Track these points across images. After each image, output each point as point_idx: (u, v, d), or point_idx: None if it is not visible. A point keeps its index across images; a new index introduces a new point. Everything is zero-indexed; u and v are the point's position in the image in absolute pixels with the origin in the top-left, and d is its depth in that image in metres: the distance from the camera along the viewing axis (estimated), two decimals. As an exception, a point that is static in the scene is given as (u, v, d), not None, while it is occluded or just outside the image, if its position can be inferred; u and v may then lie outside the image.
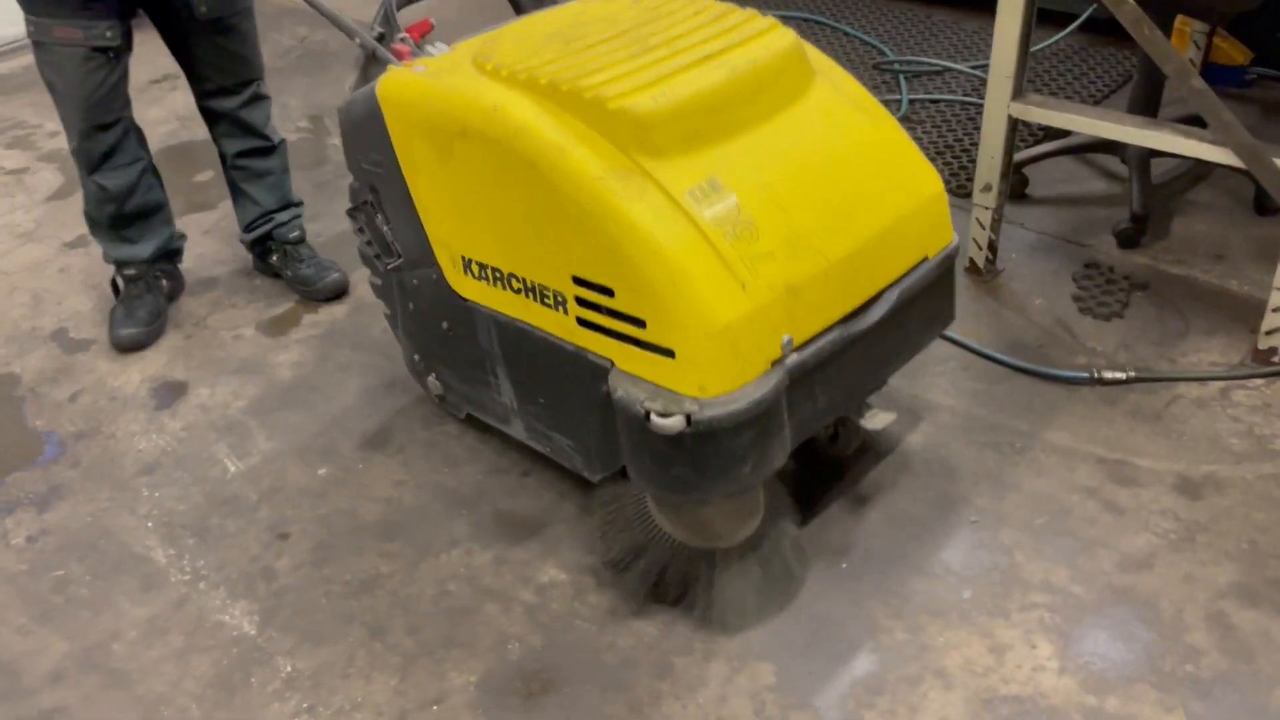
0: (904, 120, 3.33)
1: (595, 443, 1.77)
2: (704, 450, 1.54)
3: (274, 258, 2.78)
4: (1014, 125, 2.40)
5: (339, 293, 2.75)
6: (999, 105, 2.38)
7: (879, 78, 3.55)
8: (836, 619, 1.82)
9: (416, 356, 2.19)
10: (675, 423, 1.50)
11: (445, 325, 1.99)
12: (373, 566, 2.00)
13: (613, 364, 1.62)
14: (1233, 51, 3.32)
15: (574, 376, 1.71)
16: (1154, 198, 2.67)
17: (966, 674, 1.72)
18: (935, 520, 1.99)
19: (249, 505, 2.16)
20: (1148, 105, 2.80)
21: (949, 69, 3.57)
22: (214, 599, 1.96)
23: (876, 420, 1.89)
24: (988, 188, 2.49)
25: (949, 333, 2.39)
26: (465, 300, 1.88)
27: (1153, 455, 2.08)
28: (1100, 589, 1.84)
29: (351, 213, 2.05)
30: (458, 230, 1.82)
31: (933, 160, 3.04)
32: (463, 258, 1.83)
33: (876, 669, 1.74)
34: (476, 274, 1.81)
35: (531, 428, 1.95)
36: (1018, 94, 2.36)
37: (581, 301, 1.62)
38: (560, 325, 1.69)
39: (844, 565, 1.92)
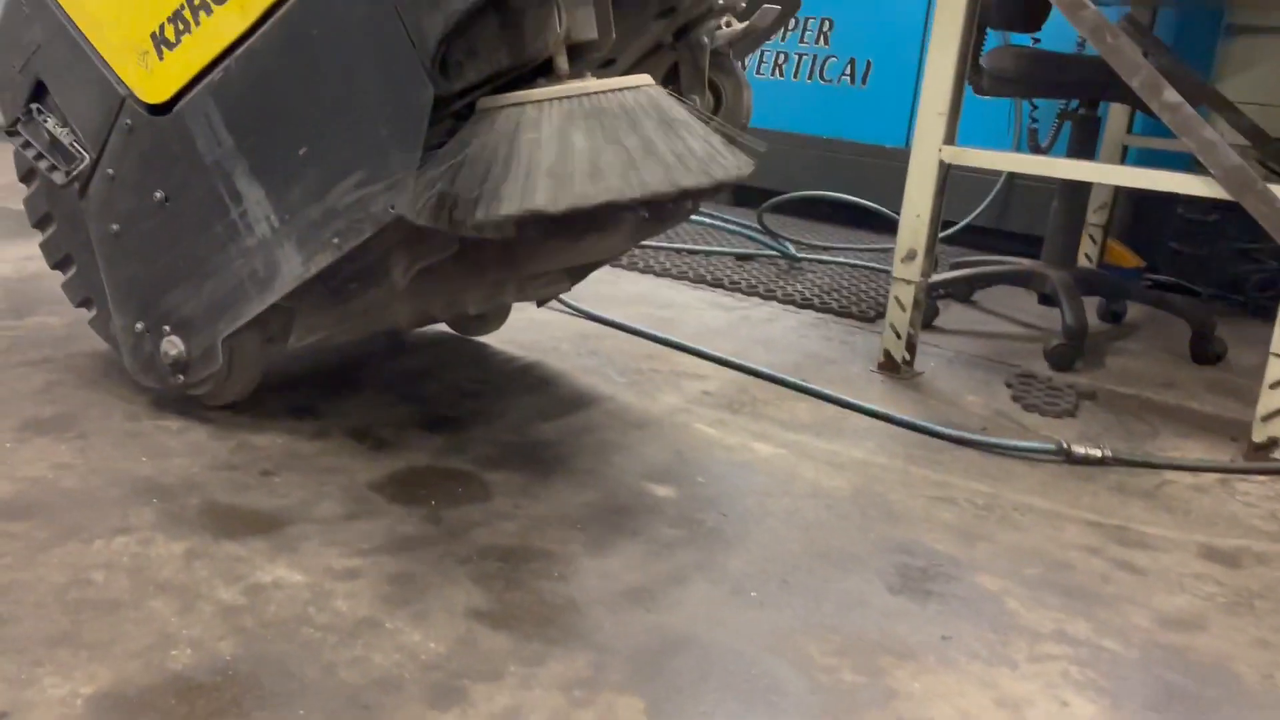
0: (792, 269, 2.96)
1: (384, 110, 1.22)
2: None
3: None
4: (945, 176, 2.03)
5: None
6: (929, 150, 2.01)
7: (759, 239, 3.23)
8: (744, 651, 1.10)
9: (139, 323, 1.52)
10: None
11: (160, 195, 1.44)
12: (-31, 544, 1.18)
13: None
14: (1126, 255, 3.16)
15: (325, 30, 1.24)
16: (1086, 319, 2.30)
17: (968, 730, 1.01)
18: (878, 558, 1.33)
19: None
20: (1066, 248, 2.52)
21: (832, 246, 3.29)
22: None
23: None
24: (911, 255, 2.06)
25: (867, 404, 1.86)
26: (171, 105, 1.40)
27: (1160, 525, 1.52)
28: (1144, 645, 1.19)
29: (11, 130, 1.59)
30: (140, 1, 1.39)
31: (822, 297, 2.65)
32: (153, 35, 1.40)
33: (817, 715, 1.01)
34: (174, 38, 1.37)
35: (306, 227, 1.32)
36: (950, 138, 2.01)
37: None
38: None
39: (752, 594, 1.22)
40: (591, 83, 1.15)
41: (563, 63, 1.16)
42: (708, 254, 3.05)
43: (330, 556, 1.23)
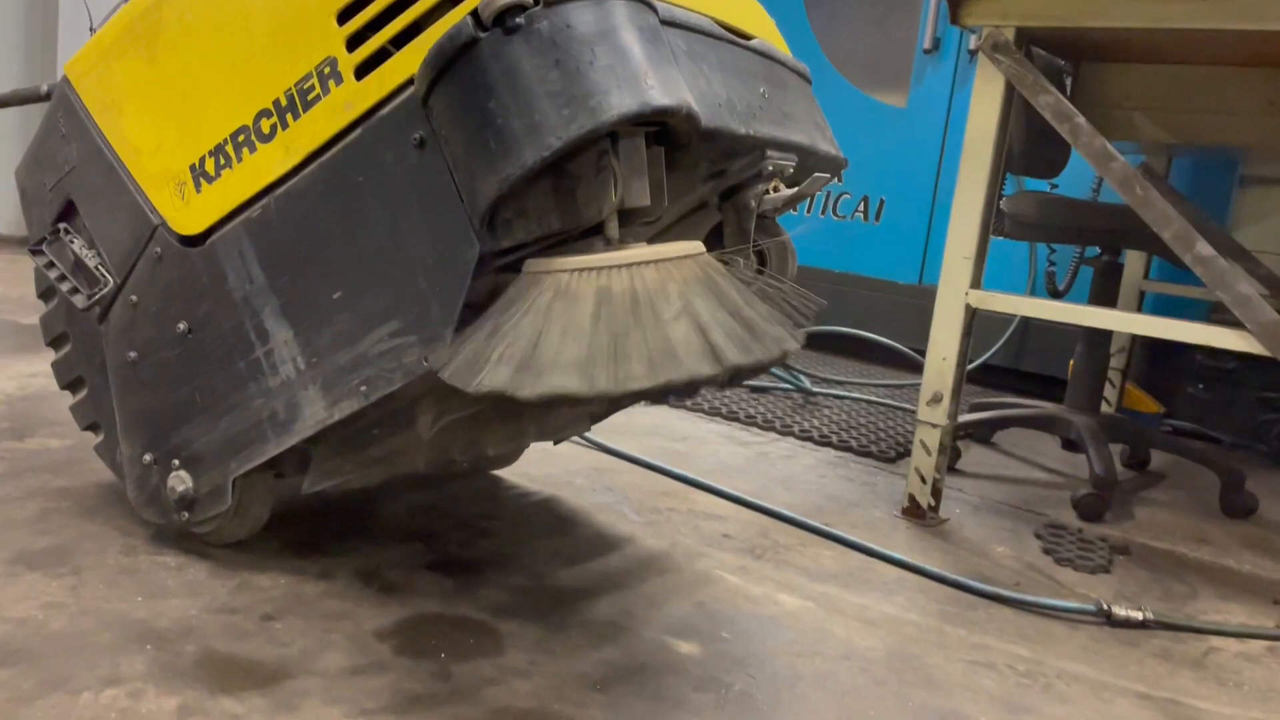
0: (808, 403, 2.91)
1: (425, 263, 1.18)
2: (574, 35, 1.07)
3: None
4: (971, 320, 2.00)
5: None
6: (955, 294, 1.98)
7: (774, 372, 3.19)
8: (783, 843, 1.01)
9: (148, 455, 1.46)
10: None
11: (184, 327, 1.39)
12: (-55, 694, 1.10)
13: (413, 83, 1.15)
14: (1145, 400, 3.12)
15: (372, 178, 1.21)
16: (1115, 469, 2.24)
17: None
18: (923, 735, 1.24)
19: None
20: (1090, 394, 2.48)
21: (846, 380, 3.26)
22: None
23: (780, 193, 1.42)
24: (937, 399, 2.01)
25: (897, 555, 1.79)
26: (204, 237, 1.37)
27: (1212, 699, 1.43)
28: (1212, 843, 1.09)
29: (36, 249, 1.55)
30: (182, 132, 1.38)
31: (840, 435, 2.60)
32: (192, 168, 1.36)
33: None
34: (214, 172, 1.34)
35: (334, 373, 1.27)
36: (977, 282, 1.99)
37: (355, 40, 1.20)
38: (336, 114, 1.23)
39: (788, 773, 1.13)
40: (641, 251, 1.11)
41: (614, 230, 1.13)
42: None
43: (333, 717, 1.14)
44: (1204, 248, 1.75)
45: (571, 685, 1.26)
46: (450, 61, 1.10)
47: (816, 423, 2.68)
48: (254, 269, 1.30)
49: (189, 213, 1.37)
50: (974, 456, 2.58)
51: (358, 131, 1.20)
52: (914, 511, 2.06)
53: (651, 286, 1.09)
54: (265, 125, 1.26)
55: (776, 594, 1.60)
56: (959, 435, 2.46)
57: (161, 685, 1.16)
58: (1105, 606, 1.64)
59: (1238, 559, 2.03)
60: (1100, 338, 2.46)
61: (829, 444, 2.51)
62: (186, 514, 1.43)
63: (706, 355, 1.06)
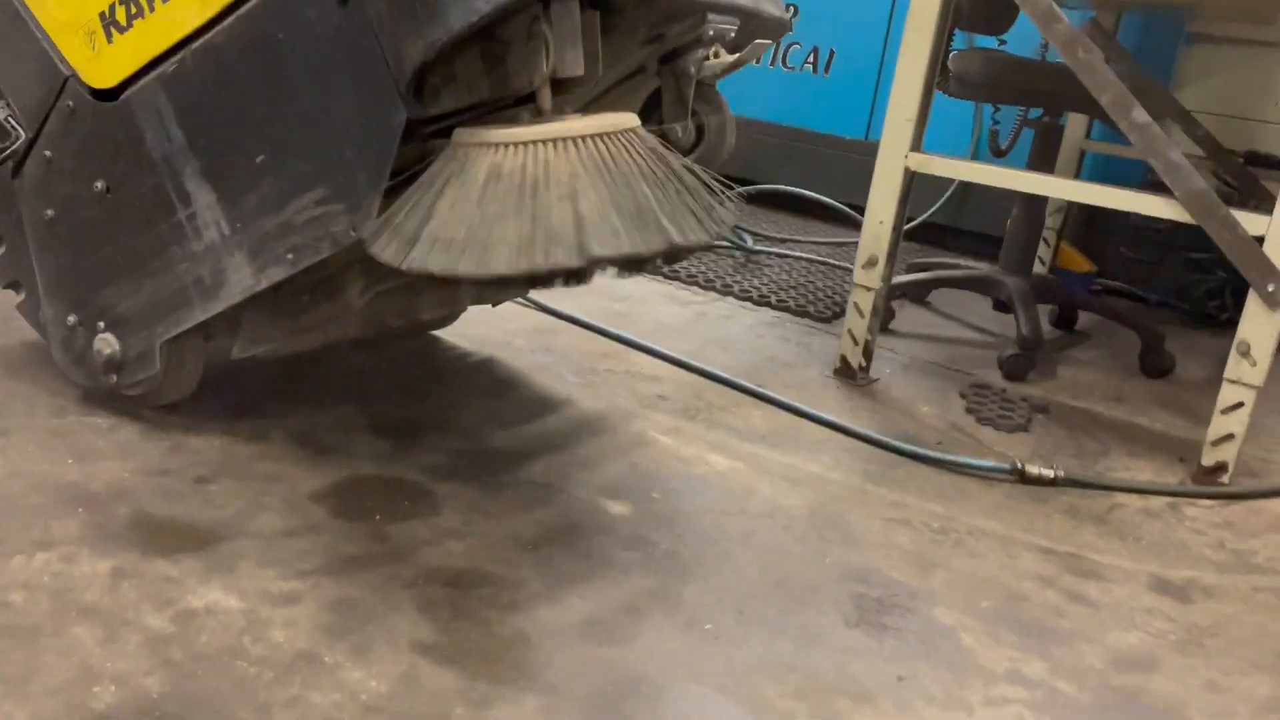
0: (749, 262, 2.93)
1: (350, 129, 1.15)
2: None
3: None
4: (909, 184, 2.00)
5: None
6: (895, 157, 1.98)
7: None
8: (700, 694, 1.07)
9: (72, 316, 1.44)
10: None
11: (101, 185, 1.35)
12: (-125, 558, 1.11)
13: None
14: (1078, 260, 3.18)
15: (292, 36, 1.16)
16: (1041, 331, 2.30)
17: (925, 783, 0.99)
18: (835, 587, 1.31)
19: None
20: (1023, 257, 2.51)
21: (789, 239, 3.26)
22: None
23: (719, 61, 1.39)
24: (872, 262, 2.03)
25: (825, 415, 1.83)
26: (119, 91, 1.31)
27: (1112, 554, 1.51)
28: (1097, 688, 1.18)
29: None
30: None
31: (779, 294, 2.62)
32: (102, 15, 1.30)
33: (773, 765, 0.98)
34: (125, 21, 1.28)
35: (259, 239, 1.25)
36: (917, 145, 1.98)
37: None
38: None
39: (708, 627, 1.19)
40: (573, 124, 1.08)
41: (546, 100, 1.10)
42: (663, 242, 3.00)
43: (267, 578, 1.17)
44: (1140, 114, 1.75)
45: (504, 545, 1.30)
46: None
47: (757, 282, 2.70)
48: (172, 128, 1.26)
49: (101, 64, 1.31)
50: (908, 316, 2.62)
51: None
52: (845, 372, 2.10)
53: (583, 161, 1.07)
54: None
55: (707, 454, 1.65)
56: (894, 295, 2.49)
57: (95, 548, 1.18)
58: (1019, 465, 1.71)
59: (1150, 417, 2.12)
60: (1036, 201, 2.48)
61: (768, 304, 2.54)
62: (115, 377, 1.42)
63: (639, 233, 1.05)
